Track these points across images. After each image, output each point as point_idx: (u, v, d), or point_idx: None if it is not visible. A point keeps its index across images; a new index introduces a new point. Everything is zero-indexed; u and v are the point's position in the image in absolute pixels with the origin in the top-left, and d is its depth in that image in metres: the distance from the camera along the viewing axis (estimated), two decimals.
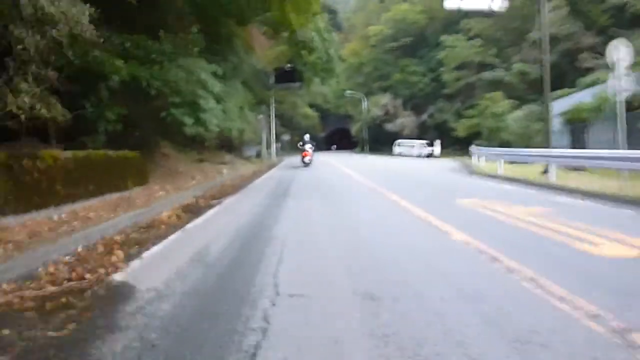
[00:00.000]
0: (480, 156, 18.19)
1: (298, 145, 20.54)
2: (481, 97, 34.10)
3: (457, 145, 37.49)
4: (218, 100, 10.47)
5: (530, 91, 33.15)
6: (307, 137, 20.15)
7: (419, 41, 44.73)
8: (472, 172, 14.87)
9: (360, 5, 64.34)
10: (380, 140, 44.00)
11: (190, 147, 14.94)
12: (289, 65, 25.05)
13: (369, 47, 47.81)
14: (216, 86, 10.04)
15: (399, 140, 39.15)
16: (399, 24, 44.91)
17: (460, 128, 34.33)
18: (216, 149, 17.76)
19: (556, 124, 22.00)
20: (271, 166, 20.70)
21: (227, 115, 12.88)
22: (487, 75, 34.14)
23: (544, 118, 22.81)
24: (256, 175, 14.39)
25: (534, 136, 21.34)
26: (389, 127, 40.16)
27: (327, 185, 11.69)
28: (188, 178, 11.44)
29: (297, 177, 13.92)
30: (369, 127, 44.43)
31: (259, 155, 26.47)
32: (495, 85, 33.54)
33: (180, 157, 13.23)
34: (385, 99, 41.17)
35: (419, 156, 36.62)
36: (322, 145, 69.58)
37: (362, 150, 46.47)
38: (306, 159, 18.77)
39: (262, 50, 17.67)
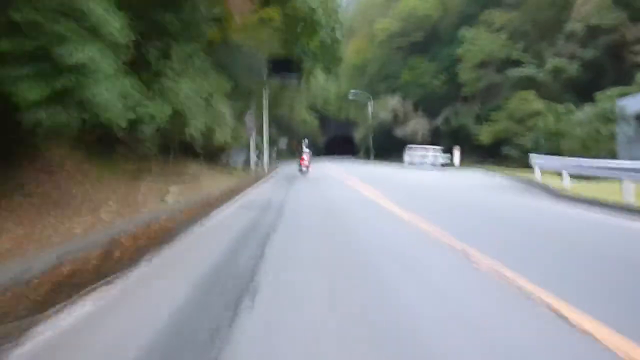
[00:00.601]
0: (543, 169, 12.81)
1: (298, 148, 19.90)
2: (508, 98, 28.86)
3: (477, 153, 32.17)
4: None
5: (566, 90, 27.94)
6: (305, 141, 18.89)
7: (431, 37, 39.53)
8: (561, 195, 9.43)
9: (363, 7, 59.27)
10: (387, 147, 38.56)
11: (131, 151, 9.43)
12: (284, 56, 19.76)
13: (375, 44, 42.60)
14: (113, 21, 4.55)
15: (411, 145, 33.77)
16: (409, 19, 39.70)
17: (484, 133, 28.98)
18: (179, 155, 12.27)
19: (627, 128, 16.66)
20: (257, 180, 15.19)
21: (172, 98, 7.43)
22: (515, 72, 28.83)
23: (613, 119, 17.56)
24: (222, 200, 8.83)
25: (600, 143, 16.03)
26: (399, 132, 34.73)
27: (345, 228, 6.19)
28: (87, 211, 5.95)
29: (288, 206, 8.41)
30: (375, 132, 39.01)
31: (246, 163, 20.95)
32: (525, 84, 28.25)
33: (93, 170, 7.70)
34: (394, 100, 35.81)
35: (433, 164, 31.30)
36: (322, 152, 64.23)
37: (367, 158, 40.99)
38: (303, 166, 17.36)
39: (243, 19, 12.30)
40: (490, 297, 2.96)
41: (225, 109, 12.03)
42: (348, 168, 25.12)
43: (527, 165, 24.25)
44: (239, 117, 16.67)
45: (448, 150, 32.23)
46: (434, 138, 34.62)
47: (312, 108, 50.67)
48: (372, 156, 39.23)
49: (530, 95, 26.32)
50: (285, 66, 20.81)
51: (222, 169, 16.23)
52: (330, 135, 67.37)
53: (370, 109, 39.14)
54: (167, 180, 9.25)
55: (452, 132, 34.35)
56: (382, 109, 36.14)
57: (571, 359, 2.10)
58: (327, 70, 17.96)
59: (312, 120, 46.45)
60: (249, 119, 18.16)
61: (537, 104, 25.94)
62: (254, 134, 18.76)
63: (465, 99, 34.25)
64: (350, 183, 13.92)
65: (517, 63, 29.89)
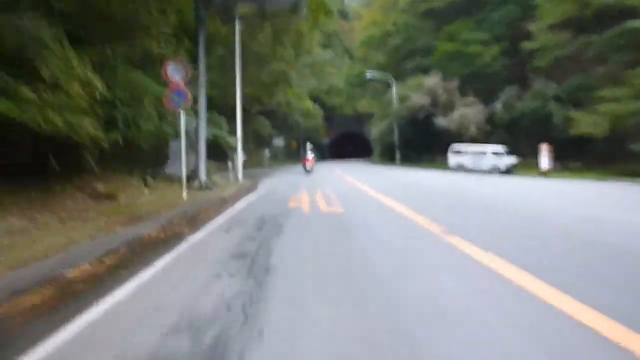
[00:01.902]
0: None
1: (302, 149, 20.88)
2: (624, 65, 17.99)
3: (558, 150, 21.26)
4: None
5: None
6: (309, 145, 19.78)
7: None
8: None
9: None
10: (419, 146, 27.64)
11: None
12: None
13: (397, 11, 31.72)
14: None
15: (457, 145, 22.88)
16: None
17: (586, 122, 18.03)
18: None
19: None
20: (155, 251, 4.25)
21: None
22: (635, 24, 17.81)
23: None
24: None
25: None
26: (442, 122, 23.75)
27: None
28: None
29: None
30: (401, 124, 28.04)
31: (197, 174, 10.01)
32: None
33: None
34: (431, 79, 24.86)
35: (493, 171, 20.61)
36: (326, 154, 53.35)
37: (391, 161, 30.05)
38: (307, 166, 18.38)
39: None
40: None
41: None
42: (376, 182, 14.18)
43: None
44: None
45: (511, 148, 21.47)
46: (492, 131, 23.73)
47: (314, 97, 39.87)
48: (398, 158, 28.34)
49: None
50: None
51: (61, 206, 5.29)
52: (336, 134, 56.38)
53: (394, 93, 28.21)
54: None
55: (513, 121, 23.50)
56: (415, 90, 25.14)
57: None
58: None
59: (316, 112, 35.66)
60: (177, 67, 7.29)
61: None
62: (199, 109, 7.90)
63: (537, 75, 23.38)
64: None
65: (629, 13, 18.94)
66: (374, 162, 35.16)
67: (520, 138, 24.13)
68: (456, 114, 23.04)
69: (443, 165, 23.96)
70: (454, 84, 24.37)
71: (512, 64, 25.55)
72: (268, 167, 30.12)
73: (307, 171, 18.04)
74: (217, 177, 12.00)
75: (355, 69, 35.90)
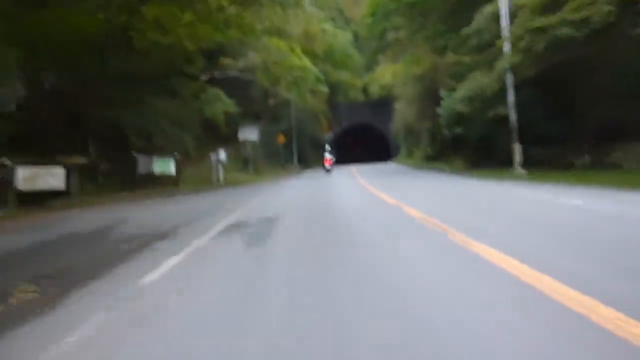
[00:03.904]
0: None
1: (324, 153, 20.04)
2: None
3: None
4: None
5: None
6: (328, 147, 20.03)
7: None
8: None
9: None
10: (559, 132, 11.88)
11: None
12: None
13: None
14: None
15: None
16: None
17: None
18: None
19: None
20: None
21: None
22: None
23: None
24: None
25: None
26: None
27: None
28: None
29: None
30: (524, 81, 12.01)
31: None
32: None
33: None
34: None
35: None
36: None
37: (468, 168, 14.07)
38: (327, 166, 19.05)
39: None
40: None
41: None
42: None
43: None
44: None
45: None
46: None
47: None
48: (519, 154, 12.33)
49: None
50: None
51: None
52: (342, 127, 40.44)
53: (506, 7, 12.28)
54: None
55: None
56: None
57: None
58: None
59: (314, 78, 19.84)
60: None
61: None
62: None
63: None
64: None
65: None
66: (437, 169, 19.02)
67: None
68: None
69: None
70: None
71: None
72: (223, 187, 14.17)
73: (327, 171, 18.59)
74: None
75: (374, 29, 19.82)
